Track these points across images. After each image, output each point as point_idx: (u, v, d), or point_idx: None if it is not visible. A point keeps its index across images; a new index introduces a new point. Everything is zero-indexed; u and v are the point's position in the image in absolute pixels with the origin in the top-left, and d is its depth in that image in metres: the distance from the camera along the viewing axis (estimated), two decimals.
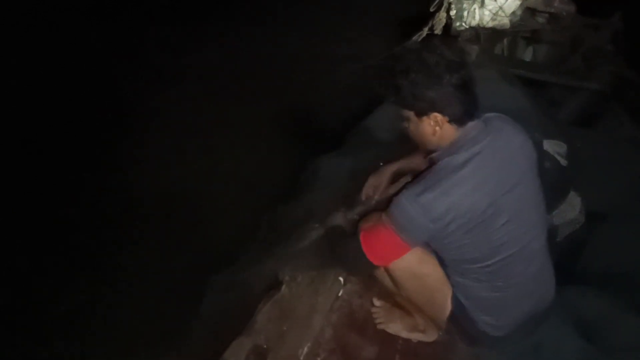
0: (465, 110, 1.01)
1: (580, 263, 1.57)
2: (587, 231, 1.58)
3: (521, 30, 2.99)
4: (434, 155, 1.07)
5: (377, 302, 1.33)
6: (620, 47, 2.62)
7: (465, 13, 2.94)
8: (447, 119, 1.00)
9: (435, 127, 1.02)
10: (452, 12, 2.99)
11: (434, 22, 3.10)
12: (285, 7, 3.35)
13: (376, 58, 2.95)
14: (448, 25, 3.05)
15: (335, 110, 2.44)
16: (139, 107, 2.51)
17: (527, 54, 3.00)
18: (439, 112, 1.00)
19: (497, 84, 2.29)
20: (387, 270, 1.14)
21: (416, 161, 1.39)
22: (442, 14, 3.06)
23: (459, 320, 1.15)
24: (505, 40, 2.97)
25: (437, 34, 3.08)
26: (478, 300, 1.11)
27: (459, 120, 1.02)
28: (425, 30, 3.10)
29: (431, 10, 3.11)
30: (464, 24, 2.96)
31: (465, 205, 0.97)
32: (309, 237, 1.49)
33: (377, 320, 1.30)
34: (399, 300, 1.28)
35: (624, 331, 1.27)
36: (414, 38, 3.06)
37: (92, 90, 2.71)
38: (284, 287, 1.32)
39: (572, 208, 1.67)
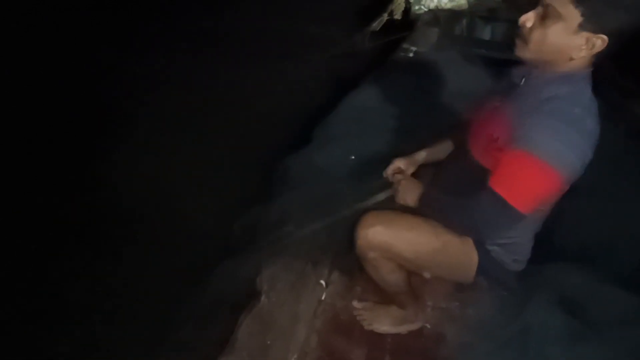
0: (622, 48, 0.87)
1: (557, 238, 1.58)
2: (560, 206, 1.59)
3: (478, 10, 3.01)
4: (541, 79, 0.94)
5: (358, 305, 1.28)
6: None
7: None
8: (603, 49, 0.86)
9: (582, 48, 0.86)
10: None
11: (393, 7, 3.06)
12: None
13: (336, 47, 2.90)
14: (407, 10, 3.03)
15: (300, 103, 2.35)
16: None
17: (486, 33, 3.01)
18: (606, 39, 0.84)
19: (461, 66, 2.28)
20: (402, 260, 1.09)
21: (440, 153, 1.30)
22: None
23: (488, 270, 1.13)
24: (464, 21, 2.98)
25: (396, 19, 3.06)
26: (515, 244, 1.10)
27: (601, 57, 0.88)
28: (385, 16, 3.07)
29: None
30: (422, 7, 2.94)
31: (595, 138, 0.91)
32: (286, 239, 1.43)
33: (363, 322, 1.25)
34: (383, 293, 1.25)
35: (606, 304, 1.27)
36: (374, 24, 3.02)
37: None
38: (262, 297, 1.25)
39: None
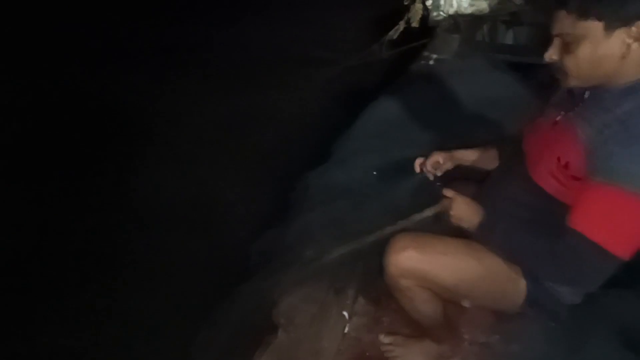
0: None
1: None
2: None
3: (500, 14, 2.89)
4: (607, 93, 0.81)
5: (386, 339, 1.15)
6: None
7: (442, 2, 2.81)
8: None
9: (631, 45, 0.76)
10: (428, 3, 2.86)
11: (410, 14, 2.97)
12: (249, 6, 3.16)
13: (354, 59, 2.81)
14: (425, 17, 2.92)
15: (317, 118, 2.25)
16: None
17: (509, 38, 2.90)
18: None
19: (488, 73, 2.16)
20: (440, 288, 0.97)
21: (485, 162, 1.16)
22: (418, 6, 2.93)
23: (538, 301, 0.99)
24: (485, 26, 2.87)
25: (414, 27, 2.96)
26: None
27: None
28: (402, 24, 2.98)
29: (405, 3, 2.99)
30: (441, 13, 2.83)
31: None
32: (306, 265, 1.31)
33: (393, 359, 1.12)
34: (414, 325, 1.11)
35: None
36: (391, 33, 2.93)
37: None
38: (280, 331, 1.13)
39: None
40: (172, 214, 1.85)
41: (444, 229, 1.03)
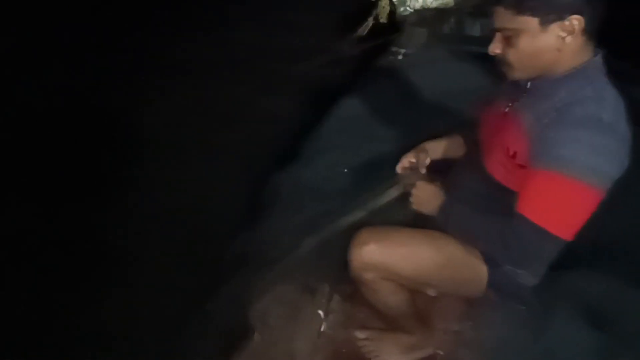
0: (601, 19, 0.80)
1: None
2: None
3: (465, 6, 2.93)
4: (546, 82, 0.85)
5: (361, 334, 1.16)
6: None
7: None
8: (584, 25, 0.79)
9: (565, 38, 0.80)
10: None
11: (378, 10, 2.99)
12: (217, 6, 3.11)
13: (323, 56, 2.81)
14: (393, 12, 2.95)
15: (287, 117, 2.24)
16: None
17: (475, 29, 2.94)
18: (579, 14, 0.78)
19: (453, 65, 2.19)
20: (403, 279, 0.99)
21: (453, 150, 1.17)
22: (385, 1, 2.95)
23: (500, 284, 1.02)
24: (451, 19, 2.91)
25: (383, 22, 2.98)
26: None
27: (593, 31, 0.81)
28: (371, 20, 2.99)
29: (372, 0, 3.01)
30: (407, 8, 2.86)
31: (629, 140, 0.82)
32: (278, 266, 1.32)
33: (369, 354, 1.13)
34: (388, 319, 1.13)
35: (634, 312, 1.15)
36: (360, 30, 2.94)
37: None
38: (255, 334, 1.13)
39: None
40: (145, 217, 1.82)
41: (408, 216, 1.05)
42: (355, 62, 2.69)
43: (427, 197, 1.02)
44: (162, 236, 1.71)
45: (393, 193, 1.13)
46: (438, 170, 1.21)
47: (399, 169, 1.15)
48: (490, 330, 1.13)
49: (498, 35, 0.86)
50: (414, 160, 1.14)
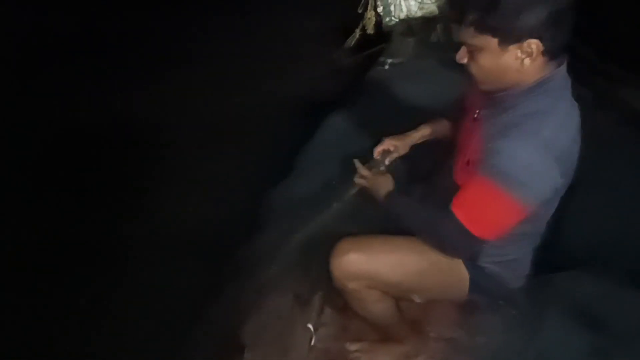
0: (564, 41, 0.82)
1: (563, 241, 1.46)
2: (560, 205, 1.48)
3: (451, 14, 2.95)
4: (506, 94, 0.87)
5: (352, 347, 1.16)
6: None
7: (392, 8, 2.88)
8: (543, 50, 0.81)
9: (523, 60, 0.82)
10: (380, 9, 2.92)
11: (364, 22, 3.03)
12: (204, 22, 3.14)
13: (312, 69, 2.84)
14: (379, 23, 2.99)
15: (279, 132, 2.26)
16: None
17: None
18: (538, 38, 0.80)
19: (438, 72, 2.21)
20: (386, 286, 1.00)
21: (441, 129, 1.24)
22: (371, 13, 2.98)
23: (483, 287, 1.04)
24: (438, 27, 2.94)
25: (370, 33, 3.01)
26: (510, 261, 1.02)
27: (555, 53, 0.83)
28: (358, 32, 3.02)
29: (359, 11, 3.04)
30: (393, 18, 2.89)
31: (576, 148, 0.86)
32: (271, 281, 1.32)
33: None
34: (379, 330, 1.13)
35: (627, 312, 1.15)
36: (348, 41, 2.97)
37: None
38: (246, 352, 1.13)
39: None
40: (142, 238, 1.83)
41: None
42: (345, 74, 2.72)
43: (378, 181, 1.10)
44: (159, 248, 1.73)
45: (354, 189, 1.21)
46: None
47: (376, 152, 1.23)
48: (482, 336, 1.13)
49: (463, 47, 0.89)
50: (392, 149, 1.22)
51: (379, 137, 1.93)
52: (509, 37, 0.81)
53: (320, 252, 1.29)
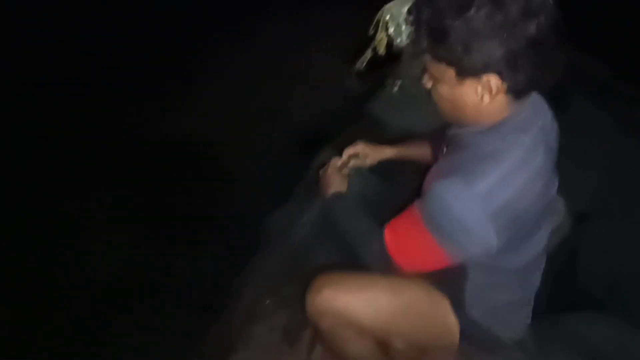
0: (532, 78, 0.73)
1: (581, 276, 1.35)
2: (576, 237, 1.37)
3: None
4: (464, 132, 0.81)
5: None
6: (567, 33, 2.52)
7: (403, 28, 2.85)
8: (505, 87, 0.73)
9: (482, 96, 0.74)
10: (391, 30, 2.89)
11: (376, 43, 3.00)
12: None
13: (321, 90, 2.83)
14: (390, 44, 2.96)
15: (283, 153, 2.23)
16: None
17: None
18: (497, 74, 0.72)
19: None
20: (361, 326, 0.93)
21: (419, 150, 1.22)
22: (382, 34, 2.96)
23: (472, 337, 0.97)
24: None
25: (381, 54, 2.99)
26: (497, 309, 0.95)
27: (519, 92, 0.75)
28: (369, 53, 3.00)
29: (370, 33, 3.03)
30: (403, 39, 2.86)
31: (527, 199, 0.76)
32: (261, 314, 1.27)
33: None
34: None
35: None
36: (358, 64, 2.95)
37: None
38: None
39: (557, 212, 1.48)
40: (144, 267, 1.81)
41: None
42: (354, 96, 2.69)
43: (333, 179, 1.11)
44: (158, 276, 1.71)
45: None
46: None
47: (346, 153, 1.23)
48: None
49: (426, 73, 0.83)
50: (360, 152, 1.23)
51: (385, 165, 1.90)
52: (464, 70, 0.74)
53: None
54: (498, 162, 0.75)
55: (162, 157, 2.29)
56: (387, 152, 1.24)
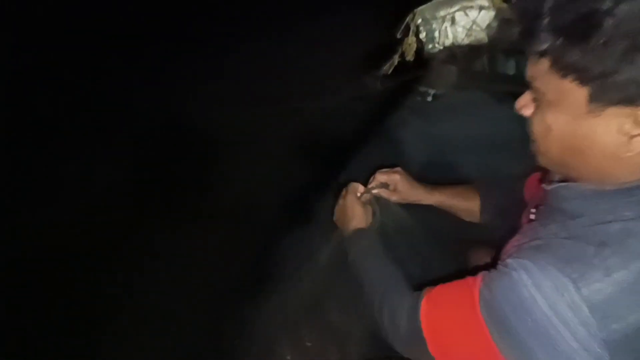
0: None
1: None
2: None
3: (499, 43, 2.73)
4: (574, 191, 0.54)
5: None
6: None
7: (436, 34, 2.66)
8: None
9: (631, 138, 0.47)
10: (422, 35, 2.70)
11: (404, 48, 2.82)
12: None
13: (344, 96, 2.65)
14: (420, 49, 2.77)
15: (301, 169, 2.05)
16: None
17: (510, 68, 2.73)
18: None
19: (487, 107, 1.97)
20: None
21: (464, 204, 0.99)
22: (412, 39, 2.78)
23: None
24: (484, 56, 2.71)
25: (409, 60, 2.81)
26: None
27: None
28: (396, 58, 2.82)
29: (398, 36, 2.85)
30: (437, 45, 2.67)
31: None
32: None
33: None
34: None
35: None
36: (385, 68, 2.77)
37: None
38: None
39: None
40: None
41: None
42: (380, 104, 2.50)
43: (356, 209, 0.93)
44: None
45: None
46: None
47: (376, 180, 1.04)
48: None
49: (528, 92, 0.58)
50: (387, 181, 1.02)
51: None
52: (608, 91, 0.46)
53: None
54: (632, 253, 0.47)
55: (168, 159, 2.17)
56: (424, 197, 1.02)
